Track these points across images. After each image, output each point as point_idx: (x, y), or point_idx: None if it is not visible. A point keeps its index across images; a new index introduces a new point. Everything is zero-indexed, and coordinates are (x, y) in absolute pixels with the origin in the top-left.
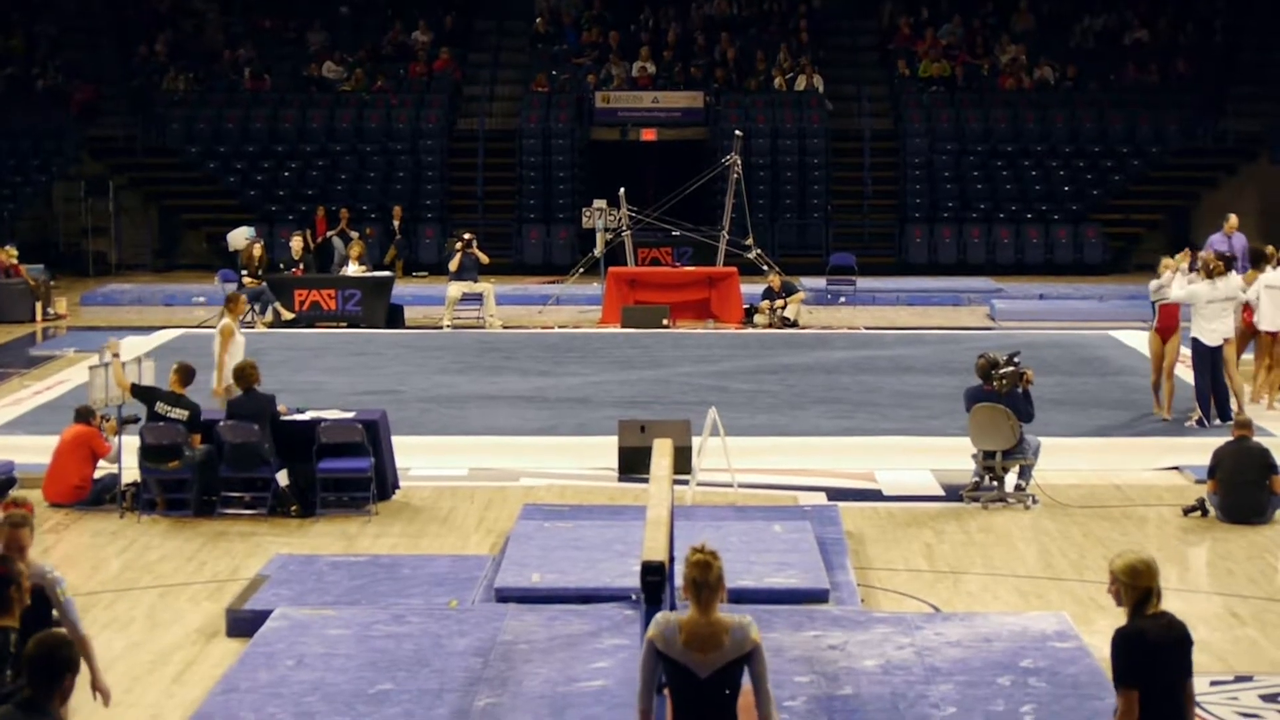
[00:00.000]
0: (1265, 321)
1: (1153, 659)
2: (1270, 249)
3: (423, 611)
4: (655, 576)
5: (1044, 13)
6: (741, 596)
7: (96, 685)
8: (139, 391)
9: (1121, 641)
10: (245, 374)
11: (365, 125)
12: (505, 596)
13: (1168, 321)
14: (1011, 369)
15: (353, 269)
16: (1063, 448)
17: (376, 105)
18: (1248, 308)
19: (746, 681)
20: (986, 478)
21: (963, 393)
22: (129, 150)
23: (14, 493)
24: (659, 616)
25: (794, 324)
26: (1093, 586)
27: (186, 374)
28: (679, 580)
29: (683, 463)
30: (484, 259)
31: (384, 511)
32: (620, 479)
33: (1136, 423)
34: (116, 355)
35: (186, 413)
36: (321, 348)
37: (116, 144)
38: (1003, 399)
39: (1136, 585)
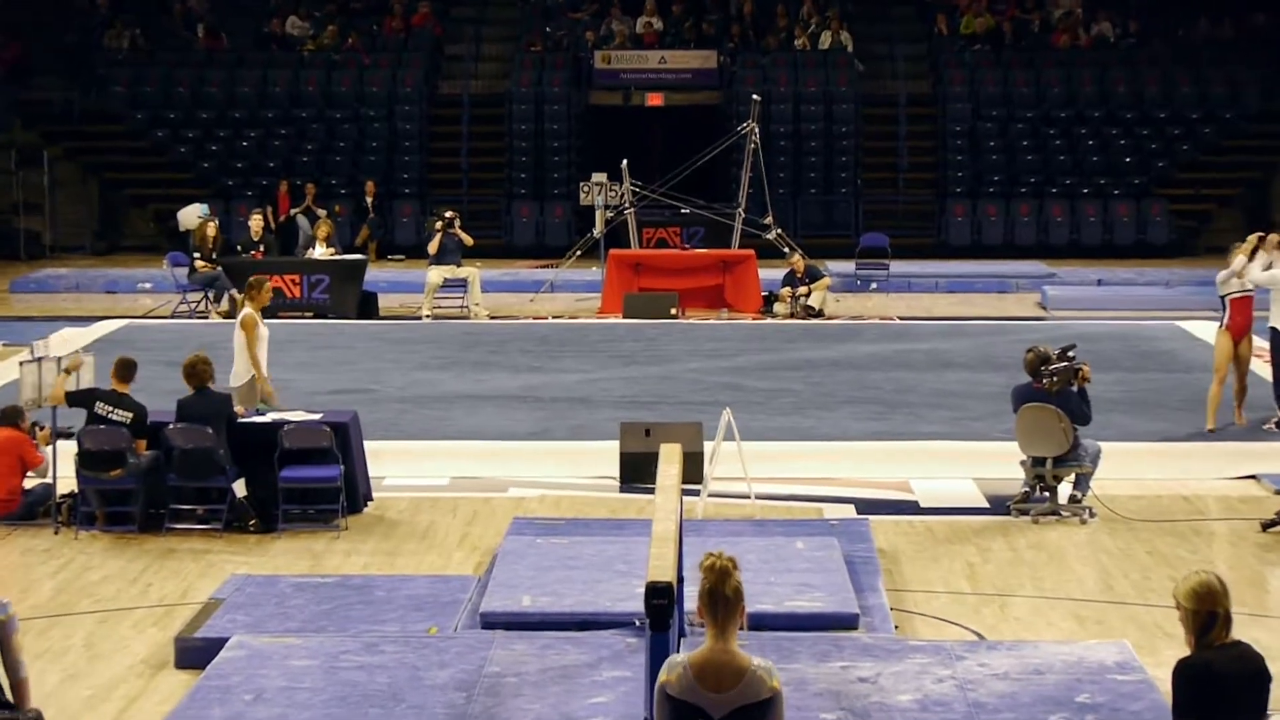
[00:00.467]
0: None
1: (1219, 694)
2: None
3: (398, 640)
4: (662, 600)
5: None
6: (760, 622)
7: None
8: (75, 398)
9: (1183, 673)
10: (196, 370)
11: (334, 89)
12: (492, 622)
13: (1240, 318)
14: (1065, 364)
15: (320, 251)
16: (1124, 453)
17: (347, 66)
18: None
19: None
20: (1037, 488)
21: (1010, 391)
22: (66, 116)
23: None
24: (668, 661)
25: (819, 314)
26: (1159, 611)
27: (127, 369)
28: (689, 604)
29: (693, 471)
30: (468, 240)
31: (355, 526)
32: (622, 489)
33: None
34: (69, 372)
35: (130, 414)
36: (284, 340)
37: (51, 109)
38: (1054, 398)
39: (1200, 610)
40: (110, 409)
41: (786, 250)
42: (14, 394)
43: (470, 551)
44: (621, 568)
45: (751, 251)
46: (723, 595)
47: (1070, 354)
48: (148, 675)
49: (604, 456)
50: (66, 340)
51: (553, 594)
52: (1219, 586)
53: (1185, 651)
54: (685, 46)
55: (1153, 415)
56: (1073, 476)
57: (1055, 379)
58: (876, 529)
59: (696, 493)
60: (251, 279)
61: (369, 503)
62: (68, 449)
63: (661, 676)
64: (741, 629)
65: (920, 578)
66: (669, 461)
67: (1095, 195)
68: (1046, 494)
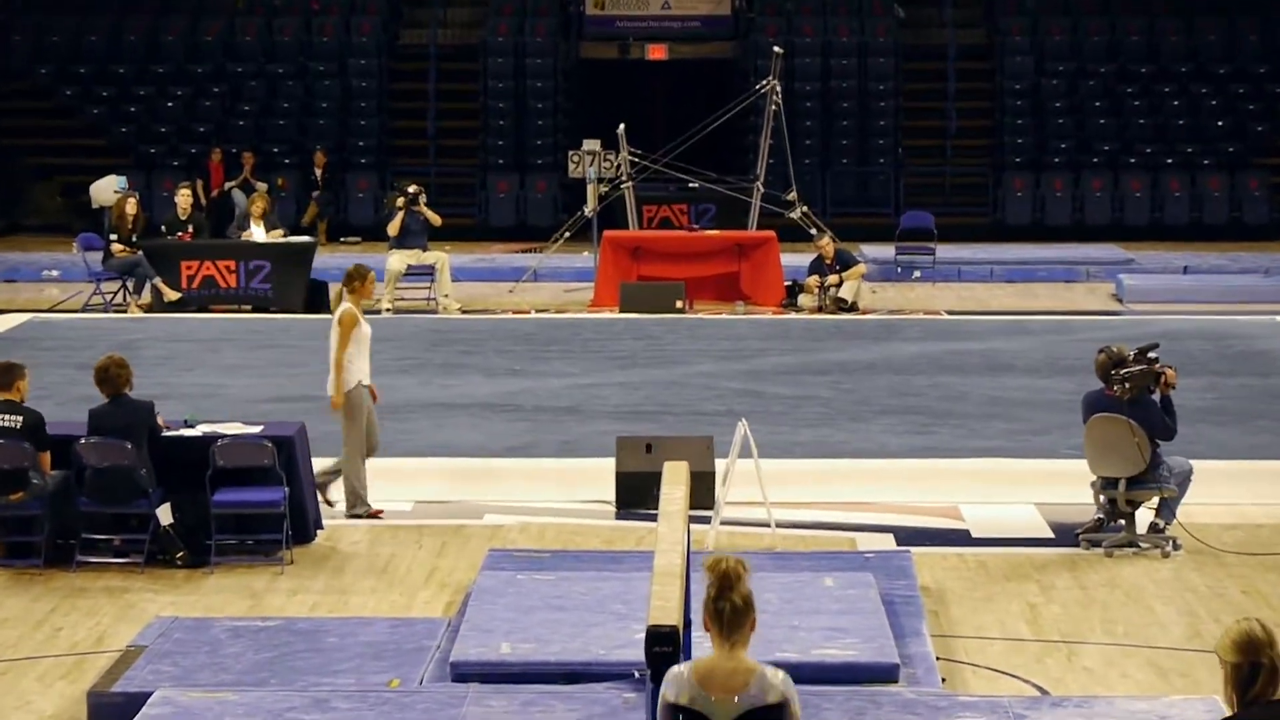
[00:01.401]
0: None
1: None
2: None
3: (354, 694)
4: (665, 647)
5: None
6: None
7: None
8: None
9: None
10: (110, 375)
11: (276, 39)
12: (464, 674)
13: None
14: (1143, 367)
15: (259, 232)
16: (1214, 473)
17: (291, 12)
18: None
19: None
20: (1111, 515)
21: (1080, 400)
22: None
23: None
24: (670, 673)
25: (852, 307)
26: None
27: (6, 375)
28: (696, 652)
29: (702, 494)
30: (435, 220)
31: (302, 559)
32: (619, 515)
33: None
34: None
35: (20, 418)
36: (218, 338)
37: None
38: (1127, 408)
39: (1242, 662)
40: (4, 418)
41: (814, 232)
42: None
43: (439, 589)
44: (618, 609)
45: (772, 233)
46: (730, 604)
47: (1151, 355)
48: None
49: (597, 477)
50: None
51: (536, 640)
52: (1263, 635)
53: None
54: None
55: (1249, 428)
56: (1154, 501)
57: (1129, 385)
58: (920, 563)
59: (707, 520)
60: (352, 269)
61: (319, 531)
62: None
63: (661, 692)
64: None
65: (972, 621)
66: (674, 483)
67: (1181, 166)
68: (1121, 522)
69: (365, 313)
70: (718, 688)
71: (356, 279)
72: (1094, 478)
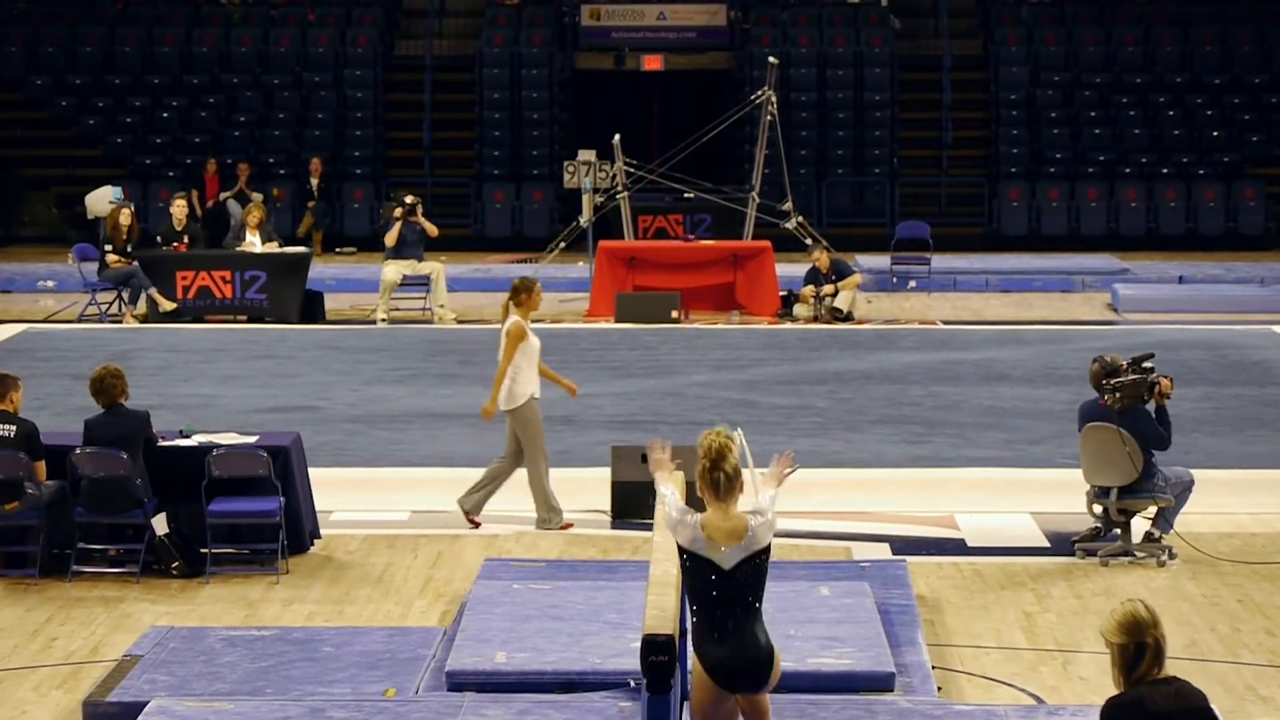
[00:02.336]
0: None
1: None
2: None
3: (349, 704)
4: (661, 656)
5: None
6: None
7: None
8: None
9: (1111, 713)
10: (105, 385)
11: (272, 50)
12: (460, 683)
13: None
14: (1136, 377)
15: (255, 242)
16: (1210, 482)
17: (287, 23)
18: None
19: None
20: (1108, 524)
21: (1077, 409)
22: None
23: None
24: (680, 520)
25: (847, 317)
26: (1250, 671)
27: (0, 385)
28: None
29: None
30: (431, 230)
31: (297, 569)
32: (615, 525)
33: None
34: None
35: (14, 427)
36: (213, 349)
37: None
38: (1117, 417)
39: (1127, 643)
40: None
41: (809, 242)
42: None
43: (434, 599)
44: (613, 618)
45: (768, 243)
46: (724, 474)
47: (1146, 365)
48: None
49: (593, 486)
50: None
51: (532, 649)
52: (1147, 615)
53: (1275, 717)
54: (689, 0)
55: (1244, 437)
56: (1152, 510)
57: (1120, 394)
58: (916, 572)
59: None
60: (519, 281)
61: (314, 541)
62: None
63: (678, 536)
64: (740, 496)
65: (967, 630)
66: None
67: (1177, 176)
68: (1117, 531)
69: (361, 323)
70: (721, 539)
71: (523, 291)
72: (1088, 487)
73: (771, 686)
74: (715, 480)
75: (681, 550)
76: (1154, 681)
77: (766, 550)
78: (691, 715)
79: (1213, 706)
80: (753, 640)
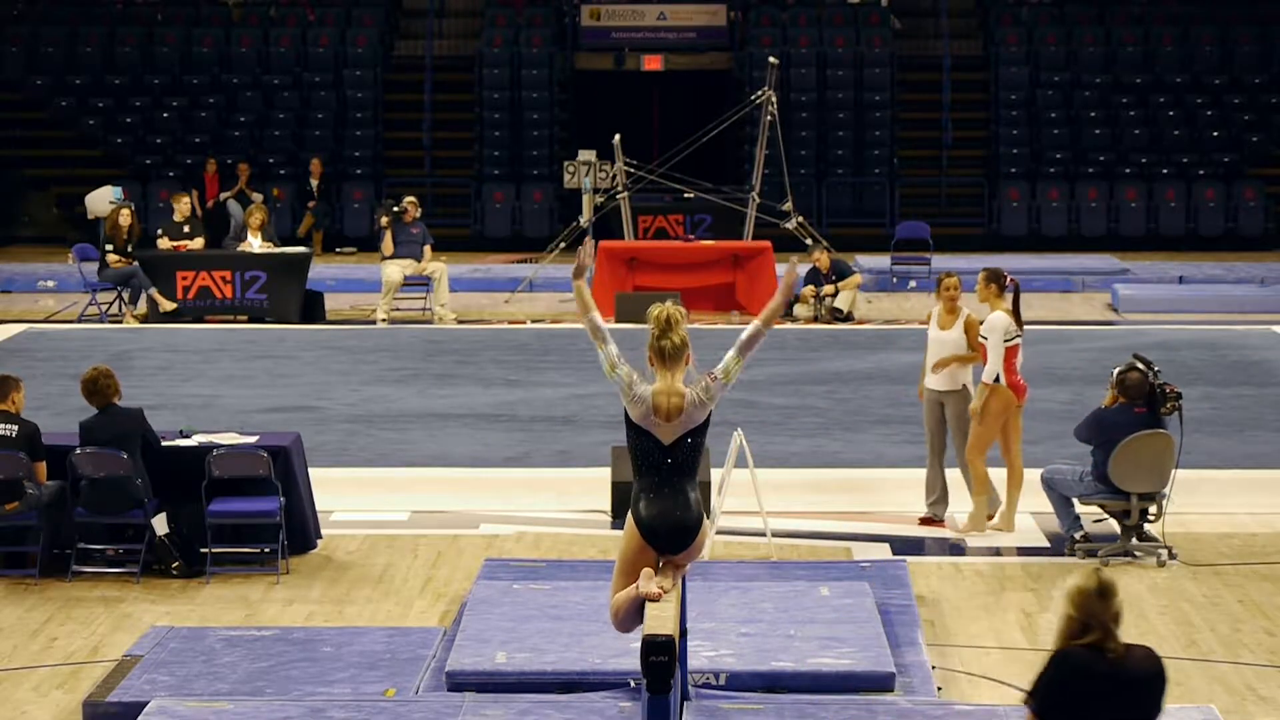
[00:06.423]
0: None
1: (1087, 687)
2: None
3: (350, 704)
4: (661, 656)
5: None
6: (778, 682)
7: None
8: None
9: (1055, 661)
10: (99, 386)
11: (272, 50)
12: (460, 683)
13: None
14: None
15: (255, 243)
16: (1210, 483)
17: (287, 24)
18: None
19: None
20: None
21: (1092, 417)
22: None
23: None
24: (638, 391)
25: (847, 317)
26: (1250, 671)
27: (1, 386)
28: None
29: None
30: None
31: (297, 569)
32: (615, 525)
33: None
34: None
35: (16, 427)
36: (214, 349)
37: None
38: (1165, 423)
39: (1074, 615)
40: (1, 427)
41: (809, 242)
42: None
43: (434, 599)
44: None
45: (768, 244)
46: (671, 342)
47: (1157, 369)
48: None
49: (593, 486)
50: None
51: (532, 649)
52: (1092, 590)
53: (1275, 717)
54: (689, 0)
55: (1245, 437)
56: (1154, 509)
57: (1172, 403)
58: (915, 572)
59: None
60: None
61: (317, 541)
62: None
63: (631, 409)
64: (688, 371)
65: (967, 630)
66: None
67: (1176, 176)
68: (1120, 531)
69: (361, 323)
70: (663, 414)
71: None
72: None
73: (695, 552)
74: (662, 349)
75: (629, 419)
76: (1100, 646)
77: (704, 427)
78: (617, 560)
79: (1164, 670)
80: (684, 506)
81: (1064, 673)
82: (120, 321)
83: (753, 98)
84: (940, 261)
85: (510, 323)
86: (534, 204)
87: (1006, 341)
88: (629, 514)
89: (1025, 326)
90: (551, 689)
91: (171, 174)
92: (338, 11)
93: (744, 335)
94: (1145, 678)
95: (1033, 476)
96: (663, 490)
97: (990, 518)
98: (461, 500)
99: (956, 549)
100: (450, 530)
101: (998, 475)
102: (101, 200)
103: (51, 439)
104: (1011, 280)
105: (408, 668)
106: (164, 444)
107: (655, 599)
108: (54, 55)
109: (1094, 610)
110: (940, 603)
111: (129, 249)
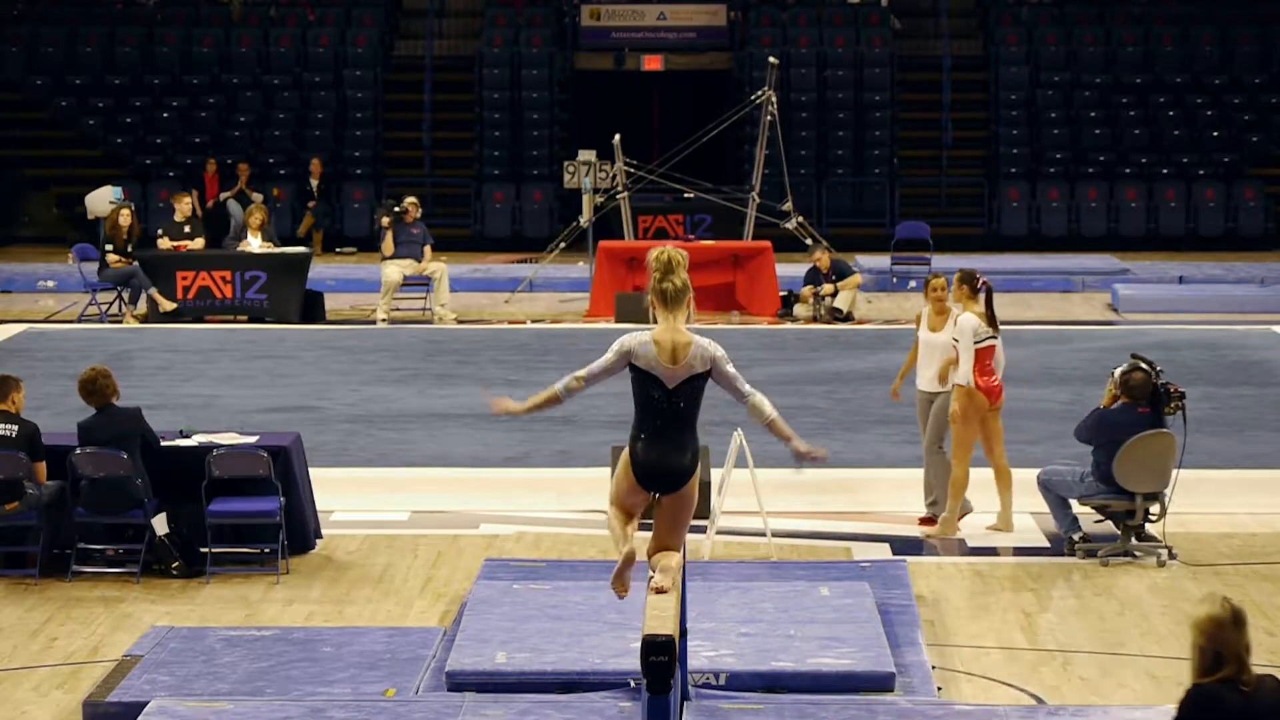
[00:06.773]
0: None
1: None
2: None
3: (349, 704)
4: (661, 656)
5: None
6: (778, 682)
7: None
8: None
9: (1189, 699)
10: (96, 386)
11: (272, 50)
12: (460, 683)
13: None
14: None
15: (255, 243)
16: (1210, 483)
17: (286, 24)
18: None
19: None
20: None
21: (1094, 418)
22: None
23: None
24: (635, 337)
25: (848, 317)
26: None
27: (1, 386)
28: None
29: (698, 504)
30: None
31: (297, 569)
32: None
33: None
34: None
35: (16, 427)
36: (214, 349)
37: None
38: (1166, 421)
39: (1206, 646)
40: (1, 427)
41: (809, 242)
42: None
43: (434, 599)
44: (614, 618)
45: (768, 244)
46: (673, 285)
47: (1161, 370)
48: None
49: (593, 486)
50: None
51: (532, 649)
52: (1223, 619)
53: None
54: (689, 0)
55: (1245, 438)
56: (1157, 509)
57: (1176, 402)
58: (915, 572)
59: (703, 530)
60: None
61: (317, 541)
62: None
63: (626, 342)
64: (690, 319)
65: (967, 630)
66: None
67: (1176, 176)
68: (1120, 531)
69: (361, 323)
70: (666, 357)
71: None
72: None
73: (686, 499)
74: (664, 291)
75: (632, 364)
76: (1232, 681)
77: (706, 375)
78: (610, 488)
79: None
80: (679, 450)
81: (1197, 712)
82: (120, 321)
83: (753, 98)
84: (940, 262)
85: (510, 323)
86: (534, 204)
87: (978, 343)
88: (625, 450)
89: (1025, 327)
90: (551, 689)
91: (171, 174)
92: (338, 11)
93: (740, 388)
94: (1277, 710)
95: (1034, 477)
96: (663, 434)
97: (962, 517)
98: (461, 500)
99: (956, 549)
100: (450, 530)
101: (984, 477)
102: (101, 200)
103: (51, 439)
104: (984, 282)
105: (408, 668)
106: (164, 444)
107: (664, 591)
108: (54, 55)
109: (1228, 641)
110: (940, 603)
111: (129, 249)
